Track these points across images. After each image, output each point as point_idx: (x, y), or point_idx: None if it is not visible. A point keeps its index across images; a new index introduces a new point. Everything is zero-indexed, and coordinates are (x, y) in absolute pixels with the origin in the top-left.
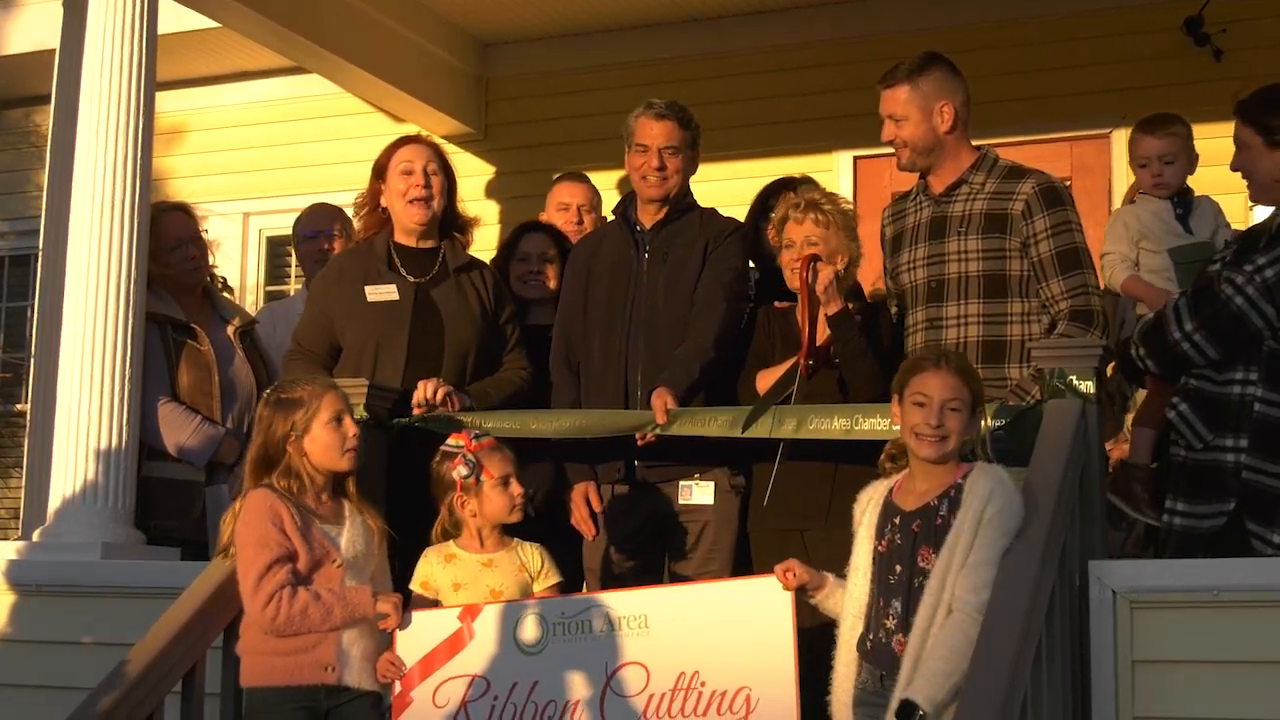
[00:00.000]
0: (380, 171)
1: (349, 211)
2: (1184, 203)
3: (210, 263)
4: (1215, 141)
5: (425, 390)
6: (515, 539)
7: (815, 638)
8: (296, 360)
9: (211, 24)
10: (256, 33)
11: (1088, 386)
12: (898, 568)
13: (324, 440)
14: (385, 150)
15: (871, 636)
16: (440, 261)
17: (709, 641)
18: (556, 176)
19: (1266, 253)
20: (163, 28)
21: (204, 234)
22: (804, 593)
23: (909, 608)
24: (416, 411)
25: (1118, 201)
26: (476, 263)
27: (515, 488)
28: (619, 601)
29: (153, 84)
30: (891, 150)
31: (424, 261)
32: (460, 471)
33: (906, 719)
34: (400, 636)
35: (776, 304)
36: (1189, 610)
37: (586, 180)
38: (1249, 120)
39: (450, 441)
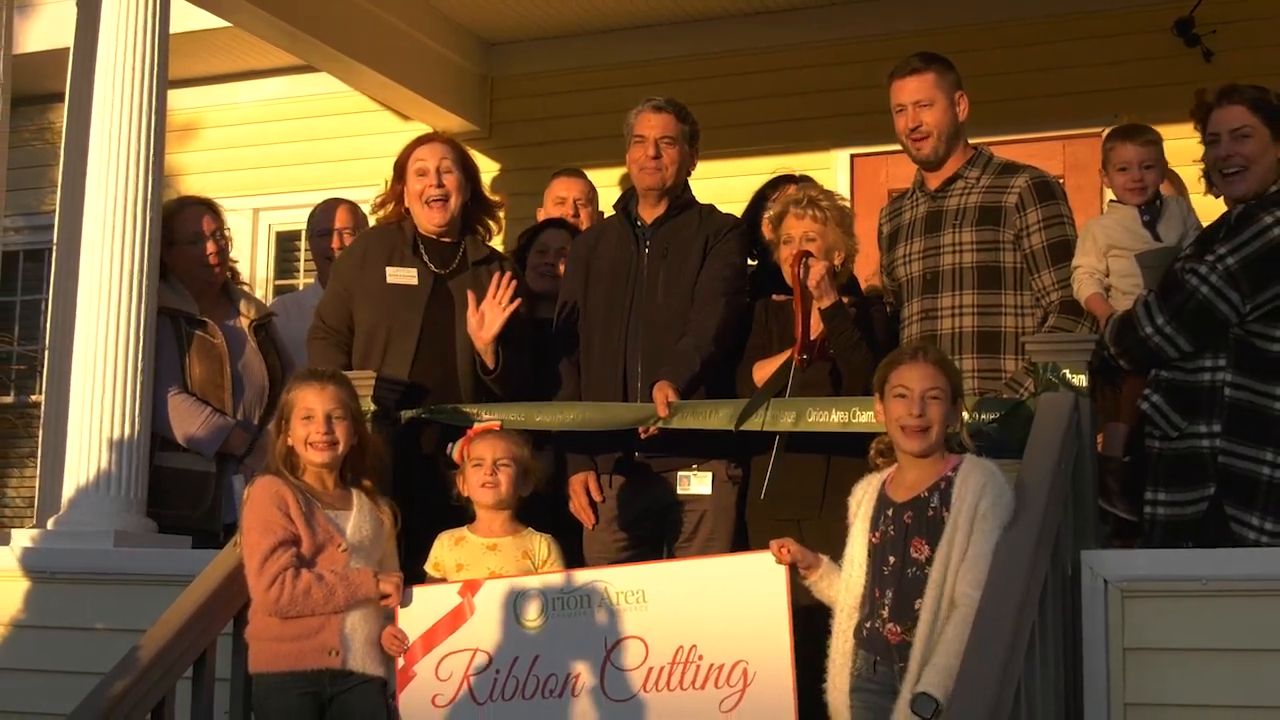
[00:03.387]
0: (400, 171)
1: (364, 208)
2: (1151, 209)
3: (231, 258)
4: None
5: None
6: (528, 528)
7: (807, 622)
8: (319, 339)
9: (224, 24)
10: (267, 32)
11: (1080, 380)
12: (891, 558)
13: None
14: (404, 150)
15: (868, 625)
16: (461, 255)
17: (706, 616)
18: (554, 172)
19: (1227, 242)
20: (176, 27)
21: (226, 231)
22: (797, 573)
23: (901, 597)
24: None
25: (1110, 198)
26: (496, 255)
27: (484, 468)
28: (617, 577)
29: (164, 82)
30: (893, 148)
31: (446, 254)
32: (448, 449)
33: (924, 712)
34: (402, 612)
35: (774, 297)
36: (1179, 599)
37: (583, 175)
38: (1257, 109)
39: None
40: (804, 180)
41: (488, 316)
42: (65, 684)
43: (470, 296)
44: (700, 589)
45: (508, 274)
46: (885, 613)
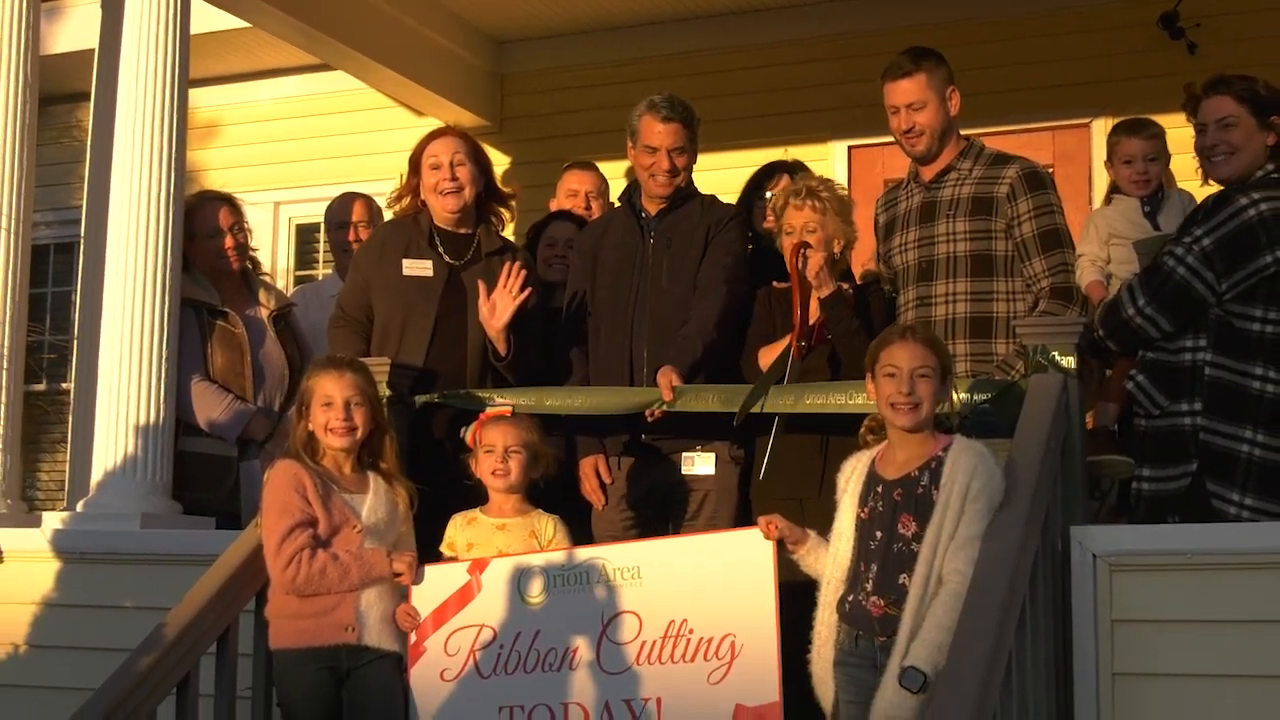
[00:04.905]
0: (415, 165)
1: (379, 201)
2: (1153, 200)
3: (251, 248)
4: (1189, 130)
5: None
6: (537, 510)
7: (799, 596)
8: (340, 328)
9: (243, 24)
10: (285, 32)
11: (1069, 361)
12: (878, 534)
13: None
14: (418, 144)
15: (851, 598)
16: (475, 246)
17: (696, 590)
18: (566, 165)
19: (1204, 224)
20: (198, 28)
21: (245, 224)
22: (784, 547)
23: (886, 571)
24: None
25: (1098, 187)
26: (509, 246)
27: (495, 455)
28: (614, 554)
29: (185, 82)
30: (888, 139)
31: (460, 245)
32: (461, 432)
33: (912, 686)
34: (415, 590)
35: (775, 284)
36: (1164, 572)
37: (595, 169)
38: (1242, 99)
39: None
40: (796, 166)
41: (499, 305)
42: (94, 660)
43: (481, 286)
44: (692, 564)
45: (517, 263)
46: (869, 586)
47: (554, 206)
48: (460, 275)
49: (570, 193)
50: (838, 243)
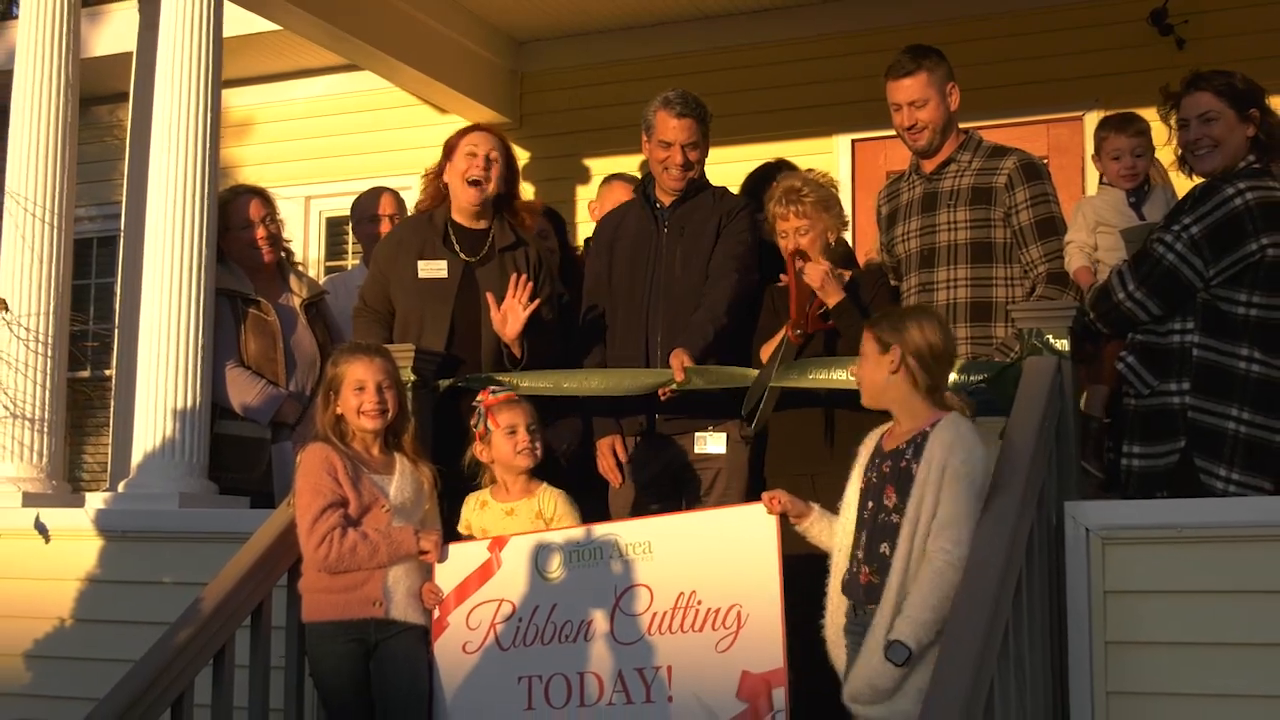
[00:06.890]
0: (449, 150)
1: (404, 195)
2: (1139, 192)
3: (285, 240)
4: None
5: None
6: (543, 485)
7: (809, 566)
8: (363, 317)
9: (274, 27)
10: (314, 34)
11: (1063, 344)
12: (870, 504)
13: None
14: (458, 133)
15: (849, 569)
16: (490, 242)
17: (705, 564)
18: (607, 177)
19: (1191, 212)
20: (231, 31)
21: (278, 216)
22: (789, 520)
23: (872, 541)
24: None
25: (1090, 178)
26: (522, 241)
27: (520, 435)
28: (626, 530)
29: (219, 82)
30: (890, 133)
31: (476, 241)
32: (472, 421)
33: (898, 659)
34: (439, 567)
35: (781, 277)
36: (1155, 545)
37: (635, 181)
38: (1221, 94)
39: (477, 398)
40: (782, 165)
41: (509, 316)
42: (135, 633)
43: (490, 299)
44: (700, 539)
45: (524, 275)
46: (860, 555)
47: (594, 211)
48: (475, 272)
49: (616, 204)
50: (830, 234)
